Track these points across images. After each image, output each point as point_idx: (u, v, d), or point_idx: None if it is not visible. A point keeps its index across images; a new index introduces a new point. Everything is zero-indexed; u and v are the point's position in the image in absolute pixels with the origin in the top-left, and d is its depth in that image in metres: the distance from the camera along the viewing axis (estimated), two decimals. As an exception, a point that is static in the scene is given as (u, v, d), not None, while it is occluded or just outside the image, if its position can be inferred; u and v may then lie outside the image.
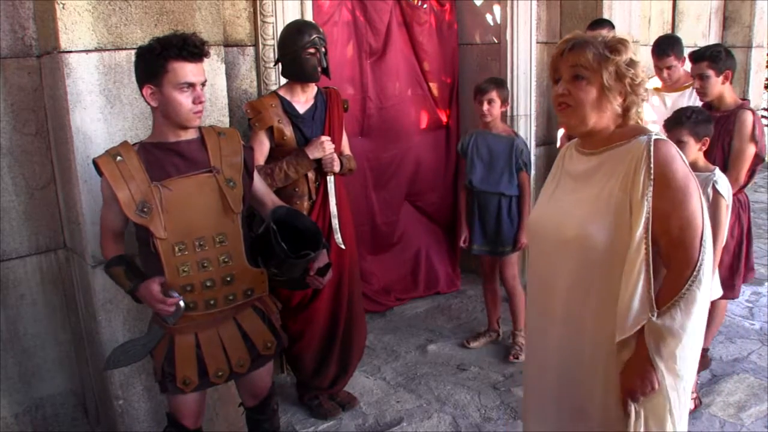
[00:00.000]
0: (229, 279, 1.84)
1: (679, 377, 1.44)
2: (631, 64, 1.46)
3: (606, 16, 3.96)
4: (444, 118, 4.17)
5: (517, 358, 3.24)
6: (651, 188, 1.40)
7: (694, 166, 2.03)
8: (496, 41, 4.04)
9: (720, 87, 2.87)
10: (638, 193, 1.41)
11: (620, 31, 3.42)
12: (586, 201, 1.51)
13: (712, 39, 4.96)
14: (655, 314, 1.40)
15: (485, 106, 3.14)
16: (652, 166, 1.40)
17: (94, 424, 2.62)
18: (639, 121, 1.53)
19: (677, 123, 2.46)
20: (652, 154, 1.41)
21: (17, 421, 2.47)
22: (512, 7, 3.89)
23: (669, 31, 4.67)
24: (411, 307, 3.98)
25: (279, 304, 2.07)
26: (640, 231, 1.40)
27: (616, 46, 1.45)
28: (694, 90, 3.07)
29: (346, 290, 2.78)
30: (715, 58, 2.84)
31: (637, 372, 1.44)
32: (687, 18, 4.73)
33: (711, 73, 2.85)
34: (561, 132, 3.60)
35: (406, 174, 4.02)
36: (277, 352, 2.03)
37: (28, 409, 2.50)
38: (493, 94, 3.13)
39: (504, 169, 3.19)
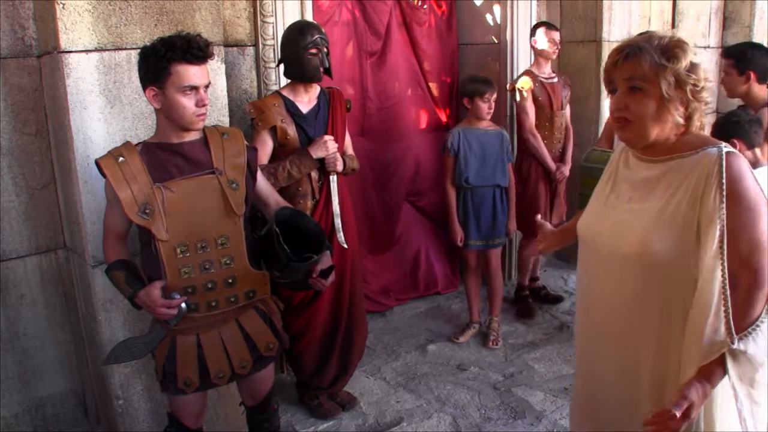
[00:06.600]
0: (230, 281, 1.84)
1: (756, 404, 1.36)
2: (692, 68, 1.34)
3: (606, 16, 3.97)
4: (444, 118, 4.17)
5: (496, 344, 3.38)
6: (724, 206, 1.30)
7: None
8: (496, 41, 4.04)
9: (743, 86, 2.91)
10: (709, 211, 1.31)
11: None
12: (647, 213, 1.41)
13: (712, 39, 4.96)
14: (736, 339, 1.30)
15: (492, 105, 3.28)
16: (724, 182, 1.30)
17: (94, 424, 2.62)
18: (702, 128, 1.43)
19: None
20: (724, 168, 1.31)
21: (17, 421, 2.47)
22: (512, 7, 3.89)
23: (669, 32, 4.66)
24: (411, 307, 3.98)
25: (281, 304, 2.07)
26: (714, 251, 1.30)
27: (674, 51, 1.33)
28: None
29: (347, 290, 2.78)
30: (739, 57, 2.87)
31: (703, 393, 1.32)
32: (687, 18, 4.72)
33: (733, 71, 2.90)
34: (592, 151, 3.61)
35: (405, 174, 4.02)
36: (279, 353, 2.03)
37: (28, 409, 2.49)
38: (494, 94, 3.29)
39: (497, 162, 3.34)
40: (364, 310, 2.98)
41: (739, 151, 2.11)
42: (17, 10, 2.25)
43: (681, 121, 1.38)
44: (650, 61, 1.33)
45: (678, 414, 1.26)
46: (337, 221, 2.68)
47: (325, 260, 1.97)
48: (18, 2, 2.24)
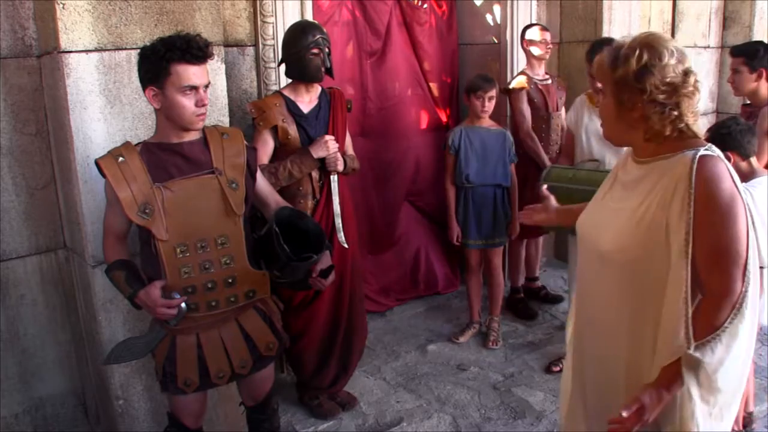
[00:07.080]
0: (230, 281, 1.84)
1: (708, 404, 1.34)
2: (643, 71, 1.32)
3: (606, 16, 3.95)
4: (444, 118, 4.17)
5: (496, 344, 3.38)
6: (692, 208, 1.28)
7: None
8: (496, 41, 4.04)
9: (753, 84, 2.97)
10: (676, 214, 1.31)
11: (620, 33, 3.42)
12: (625, 212, 1.43)
13: (712, 39, 4.96)
14: (693, 346, 1.28)
15: (486, 103, 3.25)
16: (693, 185, 1.29)
17: (94, 424, 2.62)
18: (691, 129, 1.38)
19: None
20: (694, 172, 1.29)
21: (17, 421, 2.48)
22: (512, 7, 3.89)
23: (669, 32, 4.67)
24: (411, 307, 3.98)
25: (281, 304, 2.07)
26: (679, 253, 1.30)
27: (624, 54, 1.34)
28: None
29: (347, 290, 2.78)
30: (751, 55, 2.94)
31: (657, 398, 1.32)
32: (687, 18, 4.72)
33: (744, 69, 2.95)
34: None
35: (405, 174, 4.02)
36: (278, 353, 2.03)
37: (28, 409, 2.50)
38: (494, 92, 3.27)
39: (498, 162, 3.33)
40: (364, 310, 2.98)
41: (734, 164, 2.08)
42: (17, 10, 2.25)
43: (641, 123, 1.37)
44: (603, 65, 1.39)
45: (625, 415, 1.28)
46: (338, 221, 2.68)
47: (325, 260, 1.97)
48: (18, 2, 2.24)
